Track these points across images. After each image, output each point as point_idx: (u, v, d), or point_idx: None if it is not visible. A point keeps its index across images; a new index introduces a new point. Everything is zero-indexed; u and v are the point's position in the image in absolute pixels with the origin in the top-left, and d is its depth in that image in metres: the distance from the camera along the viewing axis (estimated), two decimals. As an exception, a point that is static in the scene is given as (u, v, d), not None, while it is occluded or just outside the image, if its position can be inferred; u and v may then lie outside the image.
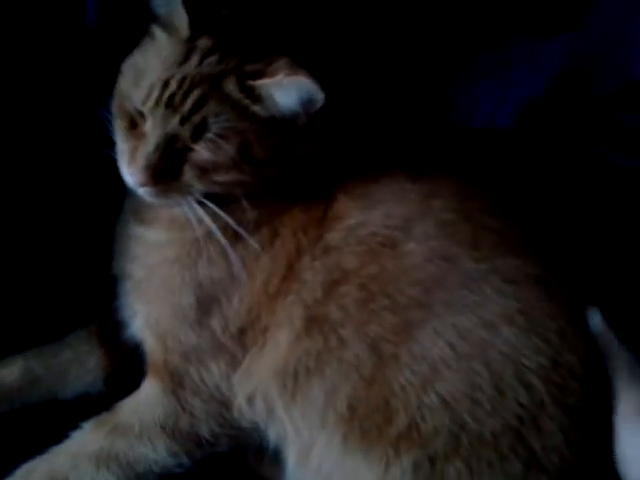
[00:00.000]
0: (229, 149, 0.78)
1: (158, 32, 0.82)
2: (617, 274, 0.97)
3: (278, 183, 0.85)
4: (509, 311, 0.79)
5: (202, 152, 0.78)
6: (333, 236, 0.84)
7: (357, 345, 0.80)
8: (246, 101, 0.79)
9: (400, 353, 0.79)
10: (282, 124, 0.81)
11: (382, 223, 0.84)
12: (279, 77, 0.78)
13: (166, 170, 0.79)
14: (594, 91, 1.00)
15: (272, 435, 0.87)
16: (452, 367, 0.78)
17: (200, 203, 0.81)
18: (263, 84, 0.79)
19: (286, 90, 0.79)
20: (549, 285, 0.82)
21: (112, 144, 0.83)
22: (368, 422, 0.80)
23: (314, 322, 0.82)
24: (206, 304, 0.84)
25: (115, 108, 0.82)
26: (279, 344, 0.83)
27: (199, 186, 0.80)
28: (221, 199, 0.82)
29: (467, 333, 0.79)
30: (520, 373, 0.77)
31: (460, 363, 0.78)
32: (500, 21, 0.99)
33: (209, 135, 0.77)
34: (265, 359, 0.84)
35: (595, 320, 0.84)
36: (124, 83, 0.82)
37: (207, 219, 0.81)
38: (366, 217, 0.84)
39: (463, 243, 0.82)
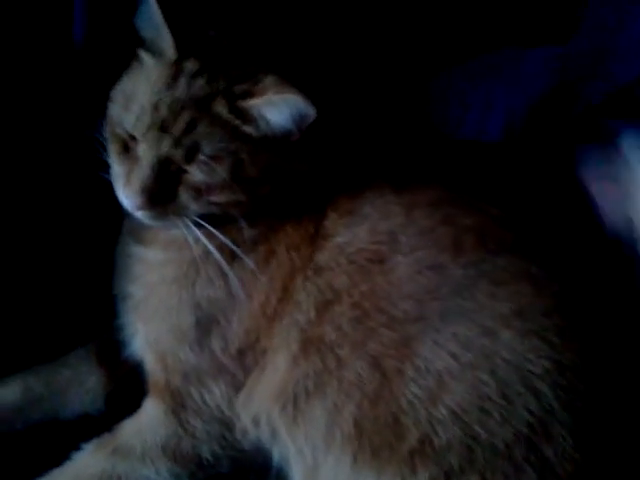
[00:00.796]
0: (222, 170, 0.78)
1: (145, 56, 0.81)
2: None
3: (274, 201, 0.84)
4: (504, 313, 0.79)
5: (196, 174, 0.78)
6: (323, 256, 0.84)
7: (357, 364, 0.80)
8: (237, 122, 0.78)
9: (404, 368, 0.79)
10: (275, 142, 0.81)
11: (368, 239, 0.84)
12: (268, 95, 0.78)
13: (162, 193, 0.78)
14: (583, 101, 1.00)
15: (276, 456, 0.86)
16: (458, 378, 0.77)
17: (197, 224, 0.81)
18: (254, 104, 0.78)
19: (277, 107, 0.78)
20: (538, 280, 0.82)
21: (107, 167, 0.83)
22: (378, 440, 0.79)
23: (310, 344, 0.82)
24: (205, 324, 0.84)
25: (108, 133, 0.82)
26: (277, 368, 0.83)
27: (195, 207, 0.80)
28: (218, 219, 0.82)
29: (467, 341, 0.78)
30: (526, 379, 0.77)
31: (465, 373, 0.77)
32: (490, 30, 1.00)
33: (201, 157, 0.77)
34: (265, 383, 0.84)
35: None
36: (114, 109, 0.81)
37: (204, 239, 0.81)
38: (353, 234, 0.85)
39: (446, 249, 0.82)
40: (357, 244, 0.84)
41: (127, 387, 0.96)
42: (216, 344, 0.84)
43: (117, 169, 0.81)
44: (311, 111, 0.78)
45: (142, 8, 0.80)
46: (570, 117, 1.01)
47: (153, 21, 0.79)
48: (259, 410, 0.84)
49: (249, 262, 0.83)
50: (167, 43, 0.79)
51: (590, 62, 0.99)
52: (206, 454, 0.85)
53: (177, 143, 0.77)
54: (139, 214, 0.80)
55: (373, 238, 0.84)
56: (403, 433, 0.78)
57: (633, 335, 0.91)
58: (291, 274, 0.84)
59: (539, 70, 1.00)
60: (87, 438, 0.87)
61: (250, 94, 0.79)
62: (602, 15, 0.99)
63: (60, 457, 0.87)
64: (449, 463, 0.76)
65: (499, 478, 0.75)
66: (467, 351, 0.78)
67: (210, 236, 0.81)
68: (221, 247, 0.82)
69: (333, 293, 0.83)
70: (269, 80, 0.80)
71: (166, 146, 0.77)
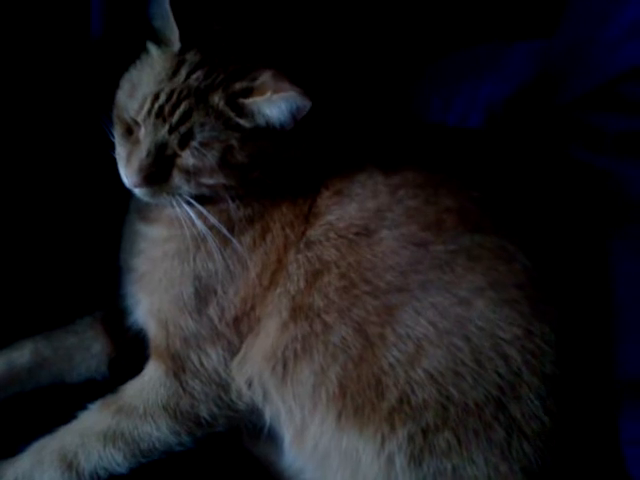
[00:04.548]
0: (212, 156, 0.83)
1: (152, 47, 0.87)
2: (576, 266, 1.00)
3: (268, 183, 0.90)
4: (479, 285, 0.85)
5: (188, 158, 0.84)
6: (315, 231, 0.90)
7: (342, 329, 0.86)
8: (231, 114, 0.84)
9: (386, 333, 0.85)
10: (267, 131, 0.86)
11: (357, 215, 0.90)
12: (268, 95, 0.83)
13: (157, 173, 0.85)
14: (565, 93, 1.02)
15: (268, 416, 0.92)
16: (435, 344, 0.84)
17: (189, 204, 0.87)
18: (253, 102, 0.84)
19: (276, 105, 0.83)
20: (512, 256, 0.88)
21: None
22: (360, 399, 0.85)
23: (299, 311, 0.88)
24: (204, 294, 0.90)
25: (114, 117, 0.88)
26: (269, 333, 0.89)
27: (187, 188, 0.86)
28: (213, 200, 0.88)
29: (445, 311, 0.84)
30: (497, 345, 0.83)
31: (442, 339, 0.84)
32: (475, 23, 1.02)
33: (194, 143, 0.83)
34: (257, 347, 0.90)
35: None
36: (121, 95, 0.87)
37: (195, 217, 0.87)
38: (343, 212, 0.90)
39: (429, 227, 0.88)
40: (346, 220, 0.90)
41: (129, 354, 1.01)
42: (214, 312, 0.89)
43: (120, 150, 0.87)
44: (307, 103, 0.82)
45: (154, -1, 0.85)
46: (553, 109, 1.03)
47: (162, 11, 0.83)
48: (252, 372, 0.89)
49: (245, 239, 0.89)
50: (173, 34, 0.84)
51: (574, 54, 1.00)
52: (204, 413, 0.90)
53: (172, 130, 0.83)
54: (137, 191, 0.87)
55: (361, 214, 0.90)
56: (384, 393, 0.84)
57: (603, 309, 0.96)
58: (285, 248, 0.90)
59: (523, 62, 1.02)
60: (91, 401, 0.92)
61: (250, 91, 0.84)
62: (586, 5, 0.99)
63: (67, 418, 0.91)
64: (425, 421, 0.83)
65: (470, 435, 0.82)
66: (444, 319, 0.84)
67: (202, 215, 0.87)
68: (219, 222, 0.87)
69: (322, 264, 0.88)
70: (266, 76, 0.85)
71: (163, 133, 0.83)
